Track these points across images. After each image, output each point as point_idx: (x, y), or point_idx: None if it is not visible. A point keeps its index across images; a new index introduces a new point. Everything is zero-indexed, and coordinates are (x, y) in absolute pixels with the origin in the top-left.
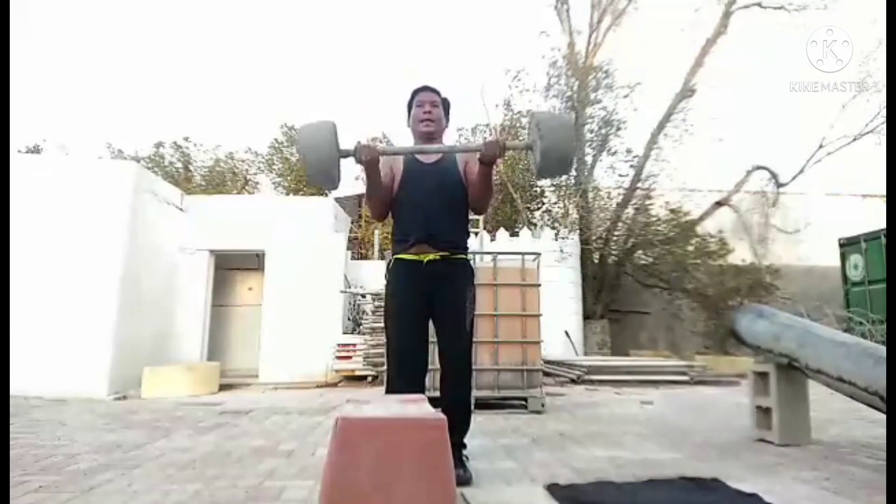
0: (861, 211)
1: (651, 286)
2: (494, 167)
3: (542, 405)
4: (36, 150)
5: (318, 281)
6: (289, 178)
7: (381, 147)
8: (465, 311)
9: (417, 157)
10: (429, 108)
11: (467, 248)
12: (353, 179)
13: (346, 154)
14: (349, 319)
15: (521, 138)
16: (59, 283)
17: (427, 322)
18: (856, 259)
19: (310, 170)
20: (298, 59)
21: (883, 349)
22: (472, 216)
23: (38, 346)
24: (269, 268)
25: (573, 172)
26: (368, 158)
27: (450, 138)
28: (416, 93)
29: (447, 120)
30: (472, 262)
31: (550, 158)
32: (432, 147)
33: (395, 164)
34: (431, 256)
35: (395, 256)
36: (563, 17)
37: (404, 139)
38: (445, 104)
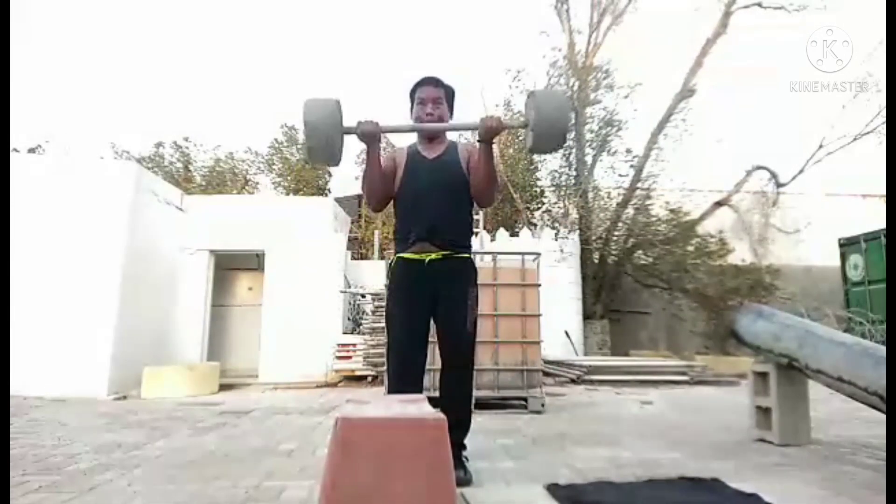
0: (861, 211)
1: (651, 286)
2: (494, 143)
3: (542, 405)
4: (33, 150)
5: (318, 281)
6: (289, 178)
7: (381, 124)
8: (467, 311)
9: (420, 151)
10: (431, 108)
11: (470, 247)
12: (352, 179)
13: (349, 130)
14: (349, 319)
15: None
16: (59, 283)
17: (428, 322)
18: (856, 259)
19: (312, 143)
20: (299, 58)
21: (883, 349)
22: (475, 215)
23: (38, 346)
24: (269, 268)
25: (573, 172)
26: (369, 130)
27: (450, 137)
28: (417, 86)
29: (451, 111)
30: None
31: (545, 128)
32: (430, 126)
33: (397, 157)
34: (434, 255)
35: (397, 255)
36: (563, 17)
37: (404, 138)
38: (449, 94)
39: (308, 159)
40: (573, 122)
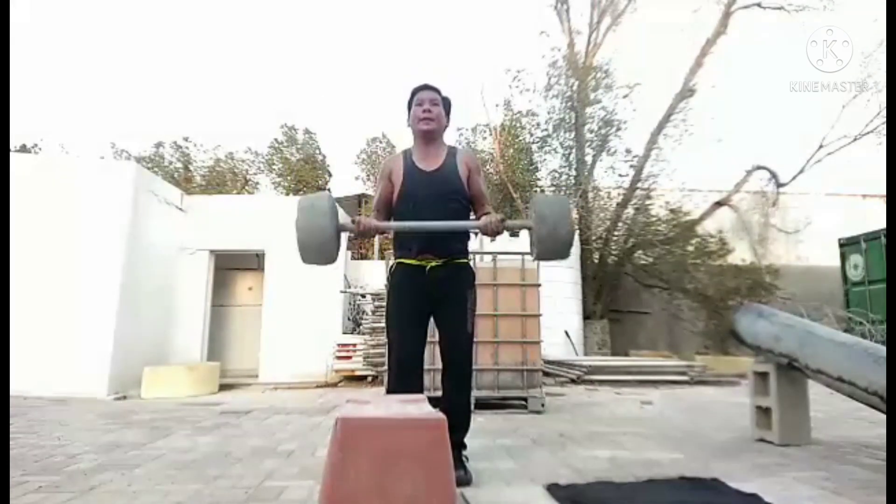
0: (861, 211)
1: (651, 286)
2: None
3: (542, 405)
4: (24, 149)
5: (318, 281)
6: (289, 178)
7: (377, 224)
8: (466, 313)
9: (417, 163)
10: (428, 105)
11: (468, 253)
12: (352, 179)
13: (344, 228)
14: (349, 319)
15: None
16: (59, 284)
17: (427, 323)
18: (856, 259)
19: (307, 245)
20: (299, 58)
21: (883, 349)
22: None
23: (39, 346)
24: (269, 268)
25: (573, 172)
26: (365, 231)
27: (450, 138)
28: (415, 91)
29: (448, 119)
30: (473, 264)
31: (548, 243)
32: (431, 224)
33: (394, 169)
34: (434, 263)
35: (397, 261)
36: (563, 17)
37: (404, 138)
38: (446, 103)
39: (303, 260)
40: (574, 226)
